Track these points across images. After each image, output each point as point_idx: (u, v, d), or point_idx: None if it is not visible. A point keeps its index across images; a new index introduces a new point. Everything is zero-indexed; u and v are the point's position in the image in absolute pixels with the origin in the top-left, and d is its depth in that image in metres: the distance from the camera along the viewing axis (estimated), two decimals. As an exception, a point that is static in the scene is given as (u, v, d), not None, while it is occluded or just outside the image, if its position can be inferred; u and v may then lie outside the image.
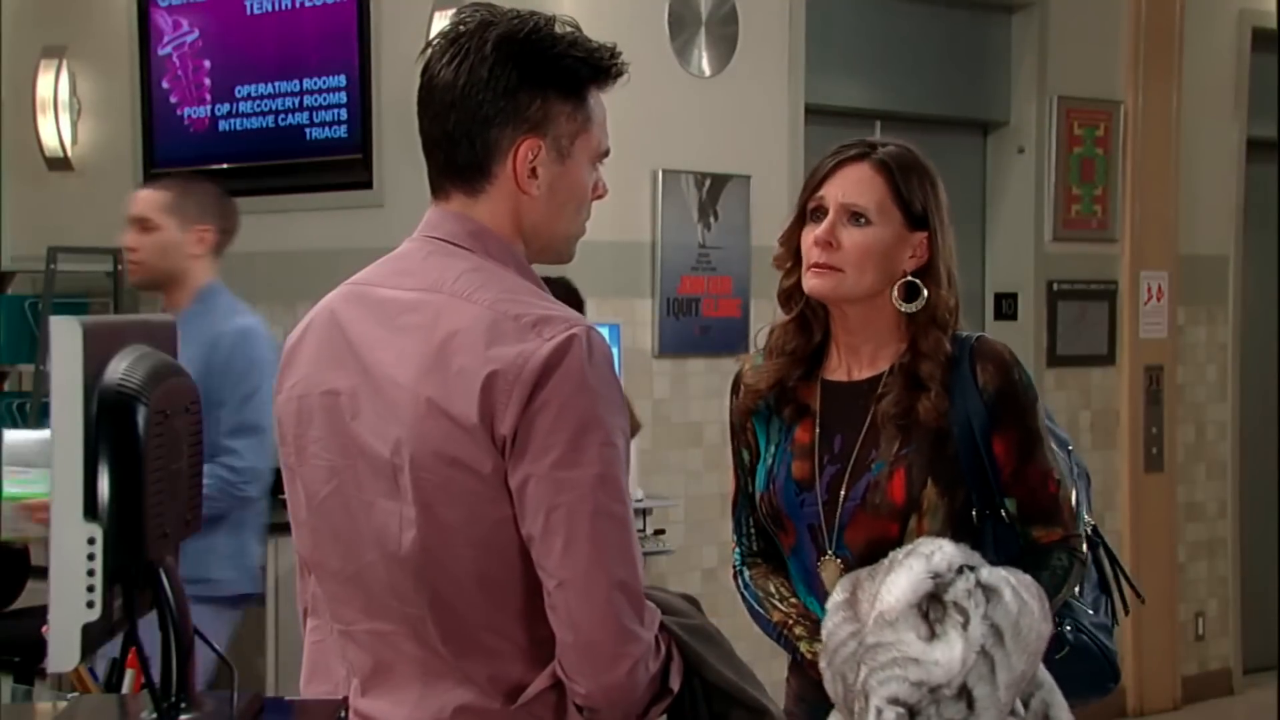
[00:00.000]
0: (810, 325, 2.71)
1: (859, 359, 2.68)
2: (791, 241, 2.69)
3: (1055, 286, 7.12)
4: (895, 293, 2.63)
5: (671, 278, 5.88)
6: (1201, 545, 7.66)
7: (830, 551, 2.63)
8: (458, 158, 2.10)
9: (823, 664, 2.47)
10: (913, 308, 2.63)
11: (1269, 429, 7.81)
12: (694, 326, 5.92)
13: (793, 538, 2.69)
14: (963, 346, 2.64)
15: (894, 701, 2.34)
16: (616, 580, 1.98)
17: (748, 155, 6.02)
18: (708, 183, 5.94)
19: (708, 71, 6.00)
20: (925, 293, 2.62)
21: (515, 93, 2.07)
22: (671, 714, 2.07)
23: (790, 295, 2.71)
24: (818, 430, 2.67)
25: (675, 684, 2.05)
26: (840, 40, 6.56)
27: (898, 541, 2.56)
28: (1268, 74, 7.25)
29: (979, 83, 7.08)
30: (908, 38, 6.82)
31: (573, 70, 2.10)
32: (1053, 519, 2.66)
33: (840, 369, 2.70)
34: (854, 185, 2.62)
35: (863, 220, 2.61)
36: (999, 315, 7.09)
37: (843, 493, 2.62)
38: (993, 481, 2.62)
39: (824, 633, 2.48)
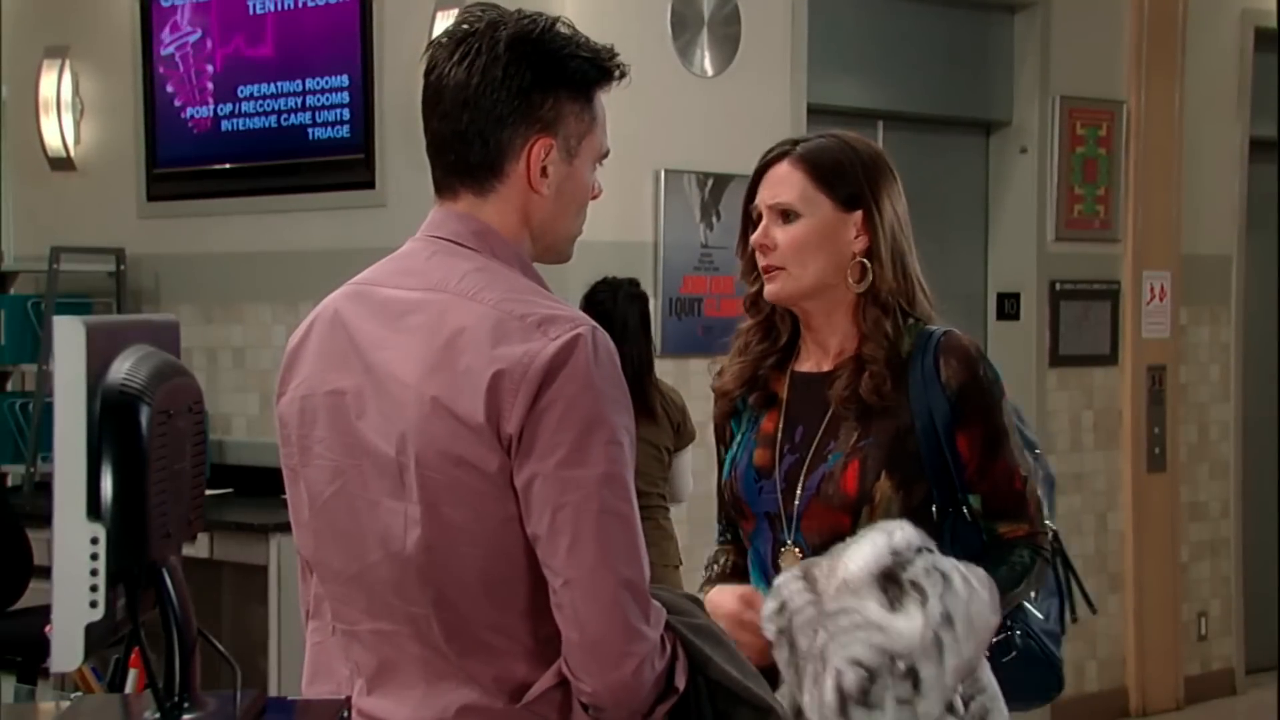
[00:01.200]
0: (776, 327, 2.75)
1: (826, 352, 2.70)
2: (745, 252, 2.75)
3: (1058, 286, 7.12)
4: (851, 275, 2.64)
5: (674, 277, 5.88)
6: (1204, 545, 7.66)
7: (789, 541, 2.64)
8: (470, 157, 2.11)
9: (771, 629, 2.45)
10: (862, 287, 2.64)
11: (1271, 429, 7.81)
12: (696, 326, 5.93)
13: (751, 524, 2.71)
14: (929, 340, 2.63)
15: (856, 663, 2.34)
16: (623, 579, 1.98)
17: (750, 155, 5.89)
18: (710, 182, 5.94)
19: (710, 71, 6.01)
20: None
21: (529, 92, 2.08)
22: (676, 713, 2.07)
23: (755, 301, 2.77)
24: (782, 420, 2.70)
25: (680, 683, 2.05)
26: (842, 40, 6.56)
27: (851, 534, 2.57)
28: (1270, 73, 7.25)
29: (981, 83, 7.08)
30: (910, 38, 6.82)
31: (581, 71, 2.11)
32: (1018, 515, 2.65)
33: (809, 362, 2.72)
34: (777, 184, 2.69)
35: (791, 215, 2.66)
36: (1001, 315, 7.10)
37: (800, 482, 2.64)
38: (955, 478, 2.61)
39: (776, 602, 2.46)
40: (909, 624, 2.35)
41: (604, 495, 1.97)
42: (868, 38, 6.72)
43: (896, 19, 6.79)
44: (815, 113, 6.24)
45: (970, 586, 2.42)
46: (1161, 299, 7.36)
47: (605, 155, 2.19)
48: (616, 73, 2.14)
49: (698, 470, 5.72)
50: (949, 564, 2.43)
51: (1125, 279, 7.29)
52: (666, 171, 5.84)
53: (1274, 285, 7.62)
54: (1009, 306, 7.11)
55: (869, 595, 2.38)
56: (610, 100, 2.18)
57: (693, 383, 5.84)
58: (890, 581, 2.39)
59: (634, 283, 5.32)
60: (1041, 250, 7.08)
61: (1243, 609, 7.79)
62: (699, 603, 2.19)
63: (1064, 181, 7.09)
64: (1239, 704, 7.66)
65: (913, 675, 2.36)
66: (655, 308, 5.79)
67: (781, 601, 2.46)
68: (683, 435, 5.31)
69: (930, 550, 2.42)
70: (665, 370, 5.66)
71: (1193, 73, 7.36)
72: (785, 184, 2.67)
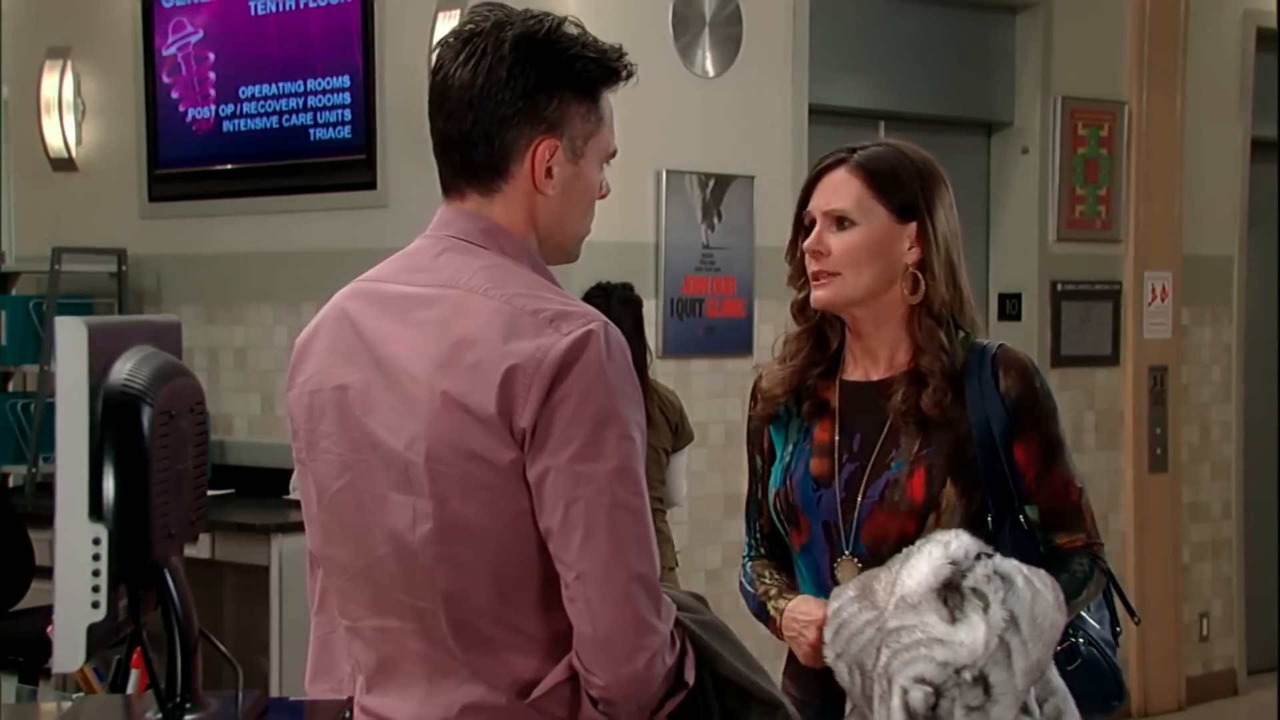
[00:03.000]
0: (825, 335, 2.74)
1: (876, 361, 2.70)
2: (794, 257, 2.73)
3: (1059, 287, 7.12)
4: (904, 286, 2.65)
5: (675, 278, 5.88)
6: (1206, 546, 7.66)
7: (847, 551, 2.64)
8: (475, 157, 2.11)
9: (831, 655, 2.49)
10: (915, 298, 2.65)
11: (1272, 429, 7.81)
12: (698, 327, 5.93)
13: (805, 535, 2.70)
14: (984, 353, 2.66)
15: (920, 680, 2.36)
16: (635, 573, 1.99)
17: (752, 155, 6.02)
18: (711, 183, 5.94)
19: (711, 72, 6.00)
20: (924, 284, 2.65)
21: (534, 93, 2.08)
22: (685, 708, 2.07)
23: (804, 308, 2.75)
24: (837, 429, 2.69)
25: (690, 677, 2.06)
26: (844, 40, 6.56)
27: (915, 540, 2.57)
28: (1271, 74, 7.25)
29: (983, 83, 7.08)
30: (912, 38, 6.82)
31: (587, 71, 2.11)
32: (1075, 525, 2.68)
33: (858, 370, 2.72)
34: (833, 191, 2.67)
35: (846, 222, 2.65)
36: (1003, 315, 7.10)
37: (861, 490, 2.64)
38: (1013, 488, 2.64)
39: (834, 626, 2.49)
40: (971, 634, 2.37)
41: (616, 490, 1.98)
42: (869, 38, 6.72)
43: (898, 19, 6.79)
44: (816, 113, 6.24)
45: (1034, 587, 2.44)
46: (1163, 299, 7.35)
47: (613, 155, 2.19)
48: (624, 73, 2.14)
49: (699, 471, 5.73)
50: (1011, 566, 2.46)
51: (1127, 279, 7.29)
52: (668, 172, 5.84)
53: (1275, 285, 7.62)
54: (1010, 307, 7.11)
55: (929, 609, 2.40)
56: (611, 100, 2.18)
57: (694, 383, 5.85)
58: (952, 591, 2.41)
59: (628, 287, 5.32)
60: (1043, 251, 7.08)
61: (1244, 610, 7.78)
62: (703, 601, 2.20)
63: (1065, 182, 7.09)
64: (1240, 705, 7.65)
65: (983, 681, 2.38)
66: (656, 309, 5.79)
67: (839, 625, 2.48)
68: (681, 436, 5.32)
69: (989, 555, 2.45)
70: (666, 371, 5.66)
71: (1194, 73, 7.36)
72: (842, 191, 2.66)
